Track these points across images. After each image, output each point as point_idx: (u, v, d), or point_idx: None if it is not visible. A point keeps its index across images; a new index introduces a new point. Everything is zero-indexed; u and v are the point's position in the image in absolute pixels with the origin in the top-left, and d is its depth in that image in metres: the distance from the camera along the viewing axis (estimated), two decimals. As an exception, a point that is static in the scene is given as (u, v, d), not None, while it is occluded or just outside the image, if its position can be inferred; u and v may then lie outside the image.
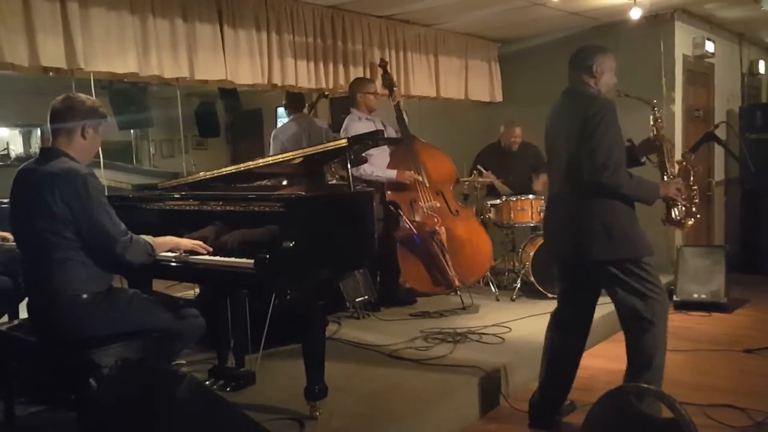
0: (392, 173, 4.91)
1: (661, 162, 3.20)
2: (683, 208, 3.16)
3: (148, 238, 2.82)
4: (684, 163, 3.26)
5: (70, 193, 2.63)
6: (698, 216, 3.21)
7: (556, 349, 3.23)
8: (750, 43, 7.84)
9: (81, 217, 2.64)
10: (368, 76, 5.43)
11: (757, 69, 7.97)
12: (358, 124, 4.91)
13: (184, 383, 2.19)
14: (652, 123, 3.24)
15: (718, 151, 6.95)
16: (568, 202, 3.03)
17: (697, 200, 3.21)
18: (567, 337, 3.21)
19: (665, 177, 3.18)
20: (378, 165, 4.89)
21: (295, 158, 3.54)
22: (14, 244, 2.95)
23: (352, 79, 5.35)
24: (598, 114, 2.86)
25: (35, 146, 8.62)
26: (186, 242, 2.98)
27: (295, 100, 5.48)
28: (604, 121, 2.85)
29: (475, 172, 5.67)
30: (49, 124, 2.77)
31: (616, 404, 2.52)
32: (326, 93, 5.90)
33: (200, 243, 2.99)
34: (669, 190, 3.09)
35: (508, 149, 6.04)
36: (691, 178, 3.23)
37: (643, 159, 3.24)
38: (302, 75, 5.05)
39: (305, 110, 5.65)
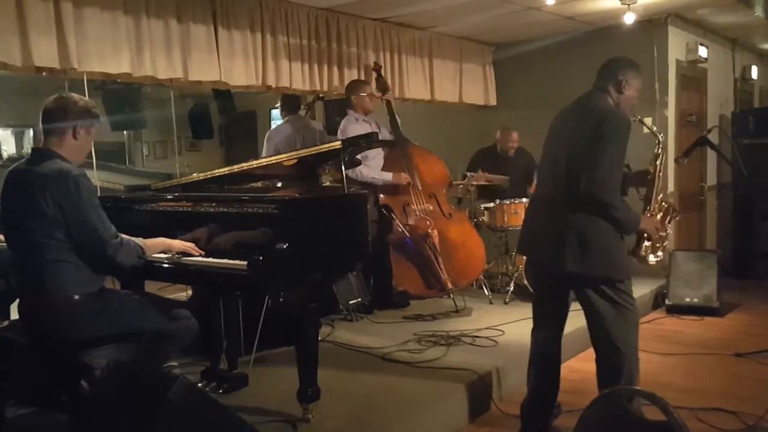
0: (388, 176, 4.92)
1: (648, 197, 3.18)
2: (651, 246, 3.15)
3: (139, 241, 2.80)
4: (666, 205, 3.24)
5: (61, 195, 2.61)
6: (660, 257, 3.21)
7: (540, 348, 3.22)
8: (743, 48, 7.89)
9: (72, 218, 2.63)
10: (362, 78, 5.43)
11: (750, 74, 8.01)
12: (355, 126, 4.92)
13: (176, 385, 2.18)
14: (653, 159, 3.19)
15: (711, 156, 6.98)
16: (554, 206, 2.99)
17: (666, 243, 3.22)
18: (547, 334, 3.21)
19: (647, 212, 3.16)
20: (374, 167, 4.90)
21: (289, 160, 3.54)
22: (5, 244, 2.93)
23: (346, 81, 5.36)
24: (611, 131, 2.82)
25: (28, 146, 8.59)
26: (178, 244, 2.97)
27: (291, 102, 5.47)
28: (616, 140, 2.81)
29: (468, 175, 5.67)
30: (41, 124, 2.75)
31: (608, 408, 2.52)
32: (321, 95, 5.90)
33: (192, 245, 2.98)
34: (648, 226, 3.06)
35: (504, 154, 6.06)
36: (668, 221, 3.22)
37: (627, 191, 3.21)
38: (296, 77, 5.05)
39: (301, 112, 5.65)
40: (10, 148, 8.72)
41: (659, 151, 3.21)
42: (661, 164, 3.19)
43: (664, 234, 3.15)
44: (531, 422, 3.24)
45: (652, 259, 3.18)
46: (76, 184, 2.63)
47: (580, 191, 2.83)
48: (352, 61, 5.51)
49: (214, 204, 3.23)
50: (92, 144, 2.88)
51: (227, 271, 2.86)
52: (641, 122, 3.24)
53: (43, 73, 3.92)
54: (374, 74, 5.33)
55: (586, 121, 2.92)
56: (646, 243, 3.14)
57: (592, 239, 2.87)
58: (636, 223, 2.98)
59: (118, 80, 4.86)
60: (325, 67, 5.29)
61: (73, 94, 2.82)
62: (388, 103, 5.25)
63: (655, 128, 3.28)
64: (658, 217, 3.18)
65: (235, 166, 3.63)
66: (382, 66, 5.46)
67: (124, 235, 2.76)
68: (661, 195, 3.21)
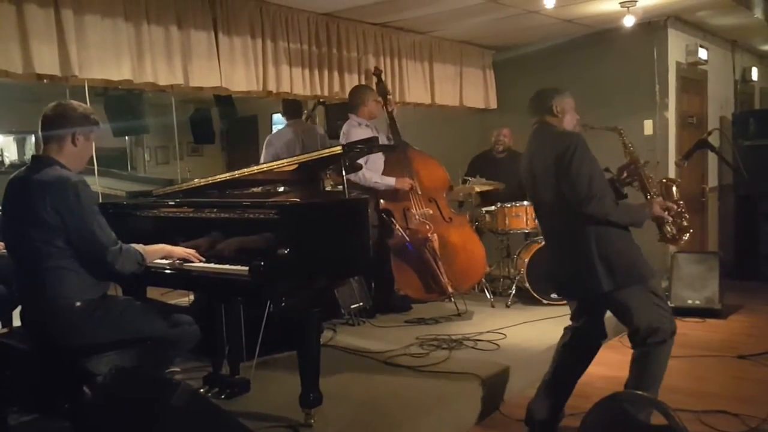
0: (391, 180, 4.92)
1: (642, 184, 3.21)
2: (674, 225, 3.17)
3: (139, 247, 2.81)
4: (664, 180, 3.27)
5: (60, 202, 2.62)
6: (691, 230, 3.22)
7: (563, 362, 3.23)
8: (743, 50, 7.89)
9: (71, 225, 2.63)
10: (363, 83, 5.45)
11: (750, 76, 8.01)
12: (358, 130, 4.92)
13: (178, 391, 2.19)
14: (623, 148, 3.26)
15: (712, 158, 6.97)
16: (562, 238, 3.07)
17: (686, 214, 3.21)
18: (576, 353, 3.22)
19: (648, 197, 3.19)
20: (375, 171, 4.91)
21: (290, 165, 3.54)
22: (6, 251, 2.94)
23: (347, 85, 5.37)
24: (569, 149, 2.90)
25: (29, 153, 8.61)
26: (179, 251, 2.97)
27: (292, 107, 5.48)
28: (577, 154, 2.89)
29: (469, 179, 5.68)
30: (40, 132, 2.76)
31: (610, 411, 2.52)
32: (321, 100, 5.91)
33: (193, 252, 2.98)
34: (654, 210, 3.09)
35: (497, 155, 6.08)
36: (674, 194, 3.22)
37: (625, 191, 3.25)
38: (297, 82, 5.06)
39: (302, 117, 5.65)
40: (11, 155, 8.74)
41: (624, 138, 3.26)
42: (633, 149, 3.24)
43: (677, 207, 3.15)
44: (538, 425, 3.23)
45: (684, 237, 3.21)
46: (75, 191, 2.63)
47: (574, 215, 2.91)
48: (353, 65, 5.52)
49: (215, 210, 3.24)
50: (92, 150, 2.89)
51: (229, 276, 2.87)
52: (592, 128, 3.29)
53: (44, 80, 3.93)
54: (375, 79, 5.34)
55: (545, 151, 3.02)
56: (668, 227, 3.17)
57: (610, 253, 2.93)
58: (642, 214, 3.05)
59: (120, 87, 4.88)
60: (326, 72, 5.30)
61: (72, 101, 2.83)
62: (390, 114, 5.24)
63: (605, 125, 3.32)
64: (660, 198, 3.17)
65: (237, 172, 3.64)
66: (383, 70, 5.47)
67: (123, 243, 2.76)
68: (652, 175, 3.24)
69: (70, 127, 2.73)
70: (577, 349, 3.22)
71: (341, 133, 5.04)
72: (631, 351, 3.06)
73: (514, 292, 5.41)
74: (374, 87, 5.27)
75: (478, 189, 5.59)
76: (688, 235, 3.21)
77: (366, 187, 4.80)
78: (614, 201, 2.96)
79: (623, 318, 3.03)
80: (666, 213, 3.12)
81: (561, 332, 3.31)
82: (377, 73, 5.34)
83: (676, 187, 3.25)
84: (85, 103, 2.90)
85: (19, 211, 2.69)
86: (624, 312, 3.00)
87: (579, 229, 2.95)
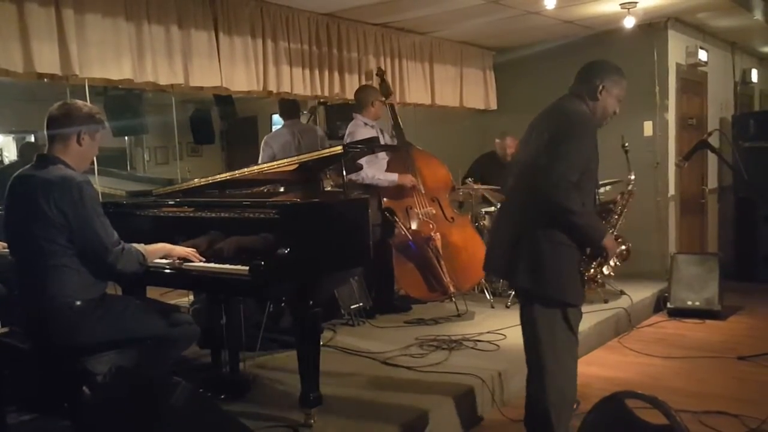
0: (393, 177, 4.92)
1: (611, 223, 3.09)
2: (600, 267, 2.84)
3: (140, 247, 2.81)
4: (623, 244, 3.07)
5: (64, 201, 2.62)
6: (599, 281, 2.92)
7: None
8: (742, 51, 7.90)
9: (75, 224, 2.63)
10: (363, 83, 5.45)
11: (750, 77, 8.02)
12: (364, 130, 4.92)
13: (178, 390, 2.19)
14: (620, 197, 3.20)
15: (712, 159, 6.98)
16: (514, 216, 2.80)
17: (607, 270, 2.87)
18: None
19: (611, 230, 3.02)
20: (377, 169, 4.91)
21: (290, 165, 3.54)
22: (7, 251, 2.93)
23: (347, 86, 5.37)
24: (573, 129, 2.62)
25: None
26: (179, 250, 2.97)
27: (288, 107, 5.47)
28: (577, 139, 2.59)
29: (468, 180, 5.68)
30: (45, 131, 2.76)
31: (610, 411, 2.52)
32: (322, 100, 5.91)
33: (193, 251, 2.98)
34: (610, 244, 2.73)
35: (503, 159, 6.07)
36: (618, 253, 2.95)
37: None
38: (297, 82, 5.06)
39: (303, 119, 5.64)
40: (11, 154, 8.74)
41: (631, 188, 3.25)
42: (628, 200, 3.18)
43: (613, 261, 2.86)
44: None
45: (595, 281, 2.89)
46: (79, 191, 2.64)
47: (535, 195, 2.62)
48: (353, 65, 5.52)
49: (215, 209, 3.24)
50: (97, 150, 2.89)
51: (229, 276, 2.86)
52: (624, 149, 3.20)
53: (45, 80, 3.93)
54: (377, 79, 5.34)
55: (551, 123, 2.72)
56: (598, 263, 2.82)
57: (546, 256, 2.65)
58: (601, 235, 2.69)
59: (120, 86, 4.87)
60: (326, 72, 5.30)
61: (77, 101, 2.84)
62: (392, 107, 5.26)
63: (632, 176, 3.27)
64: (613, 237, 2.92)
65: (236, 172, 3.64)
66: (386, 71, 5.46)
67: (125, 244, 2.76)
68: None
69: (75, 127, 2.74)
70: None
71: (347, 133, 5.04)
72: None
73: (513, 293, 5.40)
74: (377, 87, 5.27)
75: (472, 193, 5.59)
76: (595, 284, 2.88)
77: (367, 186, 4.80)
78: (583, 205, 2.62)
79: (529, 328, 2.83)
80: (609, 254, 2.76)
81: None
82: (380, 73, 5.35)
83: (623, 258, 3.06)
84: (87, 102, 2.90)
85: (23, 207, 2.69)
86: (531, 338, 2.80)
87: (534, 218, 2.65)
